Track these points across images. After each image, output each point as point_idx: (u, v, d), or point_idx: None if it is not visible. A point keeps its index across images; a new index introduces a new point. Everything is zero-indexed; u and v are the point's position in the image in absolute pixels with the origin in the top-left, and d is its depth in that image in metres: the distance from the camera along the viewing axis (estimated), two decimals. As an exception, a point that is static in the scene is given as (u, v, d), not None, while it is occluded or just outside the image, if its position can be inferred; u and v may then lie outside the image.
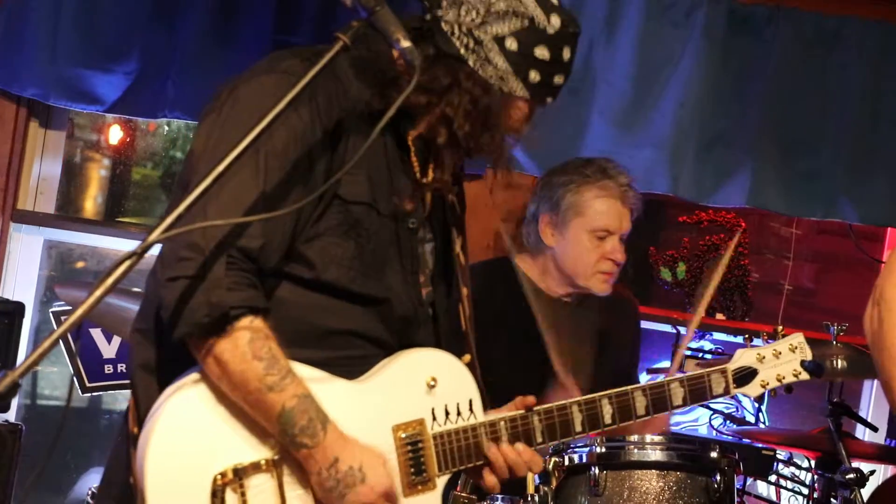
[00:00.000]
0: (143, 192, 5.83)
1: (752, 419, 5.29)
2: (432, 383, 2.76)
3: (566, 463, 3.51)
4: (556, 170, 4.39)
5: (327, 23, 4.76)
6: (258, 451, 2.61)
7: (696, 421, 5.39)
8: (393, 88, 2.64)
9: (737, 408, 5.35)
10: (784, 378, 3.25)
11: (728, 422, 5.21)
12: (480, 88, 2.72)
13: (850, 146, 5.06)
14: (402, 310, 2.79)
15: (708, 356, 5.20)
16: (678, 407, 3.13)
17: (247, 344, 2.52)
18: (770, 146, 5.01)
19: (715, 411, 5.29)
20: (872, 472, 4.27)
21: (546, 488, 3.46)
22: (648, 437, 3.64)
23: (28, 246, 5.08)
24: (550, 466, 3.48)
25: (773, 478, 5.16)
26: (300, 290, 2.68)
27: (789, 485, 5.27)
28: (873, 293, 3.04)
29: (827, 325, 4.22)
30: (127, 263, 2.21)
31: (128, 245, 2.21)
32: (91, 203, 5.76)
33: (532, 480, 3.40)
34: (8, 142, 4.86)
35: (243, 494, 2.58)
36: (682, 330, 5.19)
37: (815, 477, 4.49)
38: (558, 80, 2.77)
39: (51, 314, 4.95)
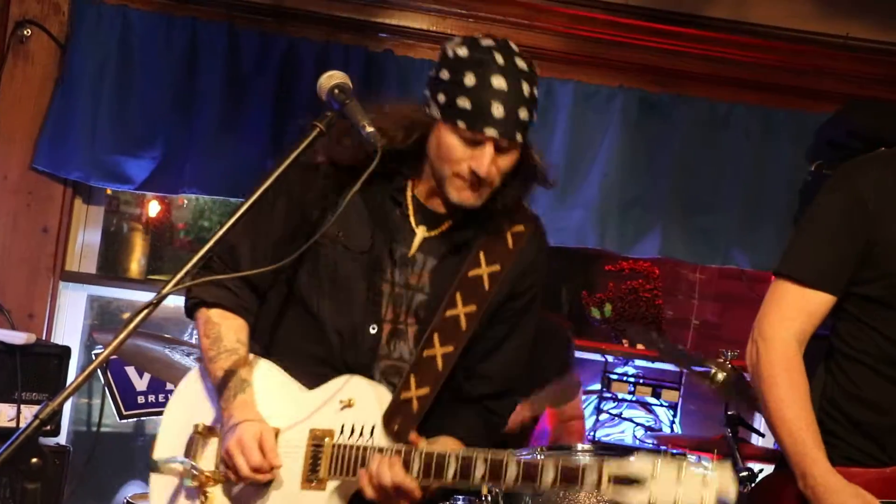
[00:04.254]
0: (177, 255, 5.88)
1: (668, 430, 5.33)
2: (349, 405, 2.71)
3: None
4: None
5: (318, 110, 4.76)
6: (215, 416, 2.82)
7: (623, 432, 5.34)
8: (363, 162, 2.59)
9: (655, 421, 5.37)
10: None
11: (648, 432, 5.24)
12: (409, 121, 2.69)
13: (740, 207, 5.12)
14: (354, 337, 2.75)
15: (632, 380, 5.20)
16: (549, 484, 2.40)
17: (202, 325, 2.78)
18: (677, 207, 5.05)
19: (637, 424, 5.32)
20: (761, 471, 4.12)
21: (497, 490, 3.33)
22: (580, 446, 3.60)
23: (74, 300, 5.10)
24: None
25: (684, 476, 5.20)
26: (290, 306, 2.81)
27: (697, 482, 5.29)
28: (752, 332, 2.89)
29: (723, 352, 4.21)
30: (144, 312, 2.26)
31: (157, 297, 2.40)
32: (135, 264, 5.83)
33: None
34: (57, 215, 4.92)
35: (204, 444, 2.78)
36: (610, 358, 5.21)
37: (717, 475, 4.53)
38: (462, 103, 2.55)
39: (93, 356, 4.93)
